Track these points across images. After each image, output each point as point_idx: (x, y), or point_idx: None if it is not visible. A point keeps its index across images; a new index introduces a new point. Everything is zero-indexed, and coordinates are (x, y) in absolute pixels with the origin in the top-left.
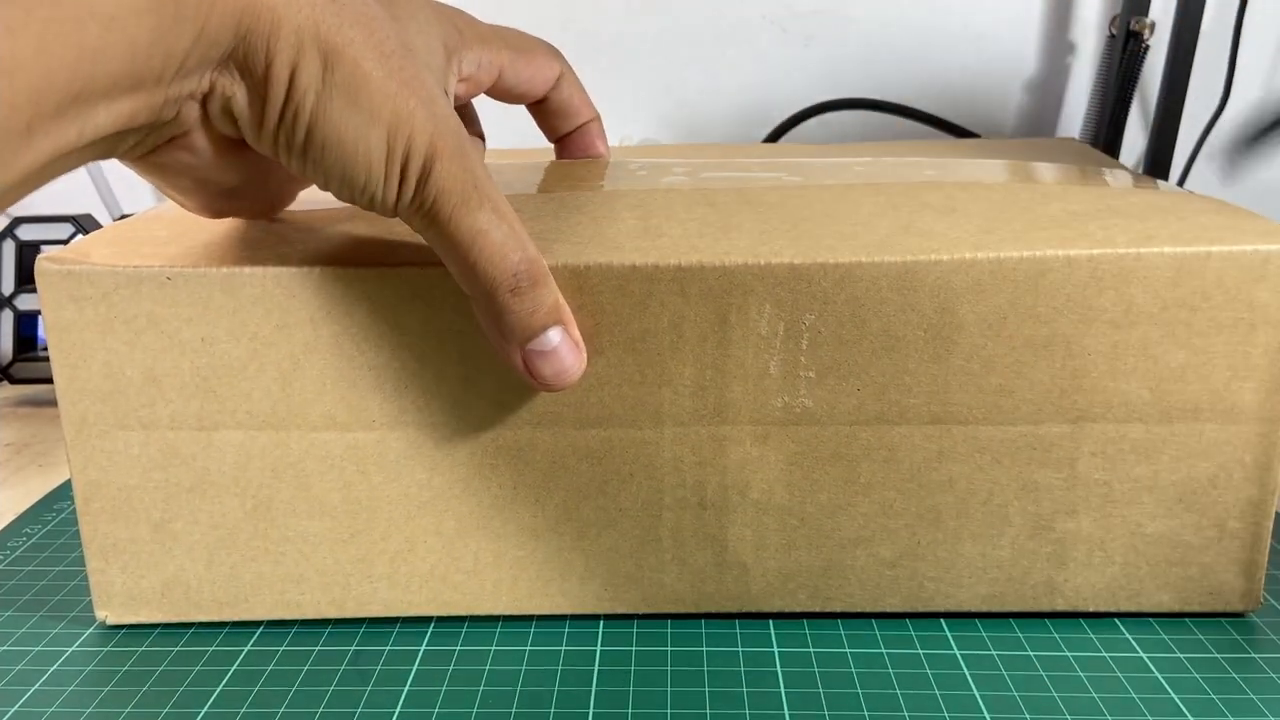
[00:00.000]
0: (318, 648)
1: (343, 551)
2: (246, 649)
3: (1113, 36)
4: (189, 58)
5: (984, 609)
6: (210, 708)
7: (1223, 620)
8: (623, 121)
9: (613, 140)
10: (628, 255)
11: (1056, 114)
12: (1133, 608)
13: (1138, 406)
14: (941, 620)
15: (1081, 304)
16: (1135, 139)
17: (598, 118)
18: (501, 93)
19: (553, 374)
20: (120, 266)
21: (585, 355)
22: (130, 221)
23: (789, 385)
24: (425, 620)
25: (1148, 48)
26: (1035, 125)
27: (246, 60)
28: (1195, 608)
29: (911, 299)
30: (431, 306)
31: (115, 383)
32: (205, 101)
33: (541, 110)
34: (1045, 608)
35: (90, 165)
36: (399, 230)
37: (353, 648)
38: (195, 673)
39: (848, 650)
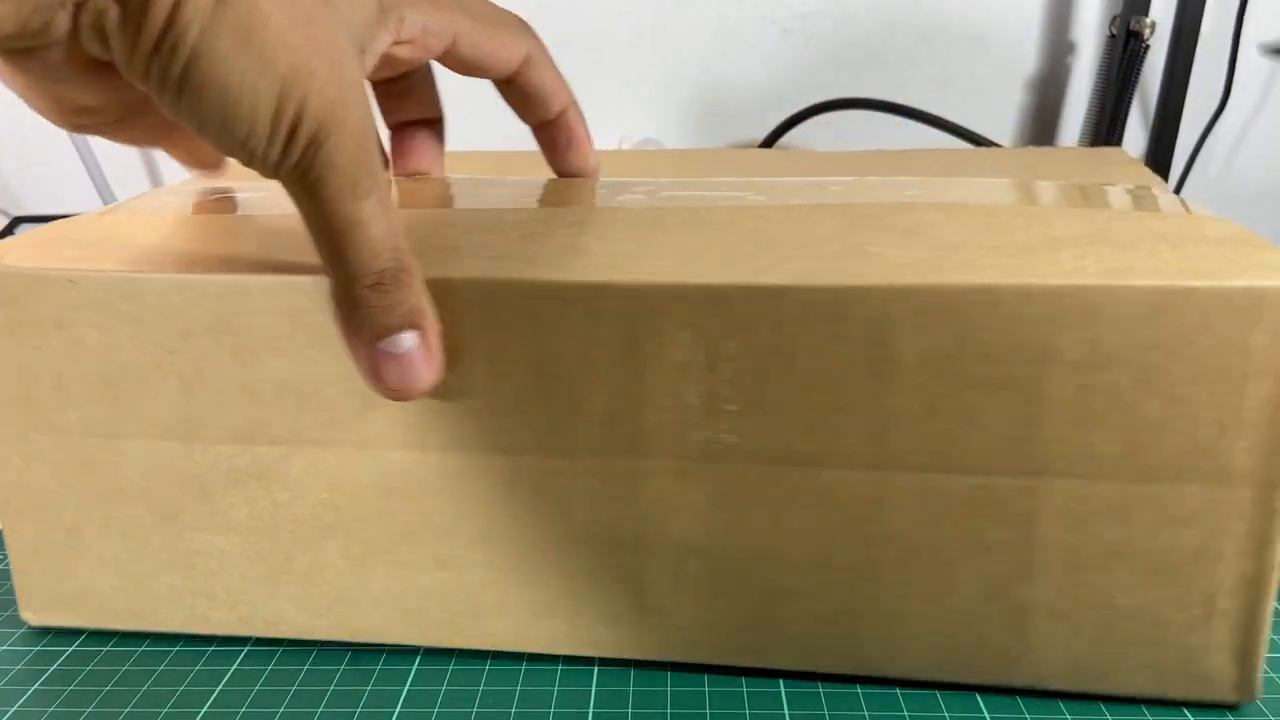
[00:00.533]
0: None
1: (249, 569)
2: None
3: (1113, 36)
4: None
5: (935, 677)
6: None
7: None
8: (622, 121)
9: (612, 140)
10: (540, 272)
11: (1056, 114)
12: (1103, 689)
13: (1107, 462)
14: (897, 690)
15: (1039, 343)
16: (1135, 139)
17: (574, 104)
18: (456, 64)
19: (399, 380)
20: (27, 269)
21: (440, 367)
22: (71, 221)
23: (710, 419)
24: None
25: (1148, 48)
26: (1035, 125)
27: None
28: (1178, 695)
29: (843, 329)
30: (331, 319)
31: (27, 386)
32: (76, 13)
33: (510, 92)
34: (1003, 681)
35: (89, 163)
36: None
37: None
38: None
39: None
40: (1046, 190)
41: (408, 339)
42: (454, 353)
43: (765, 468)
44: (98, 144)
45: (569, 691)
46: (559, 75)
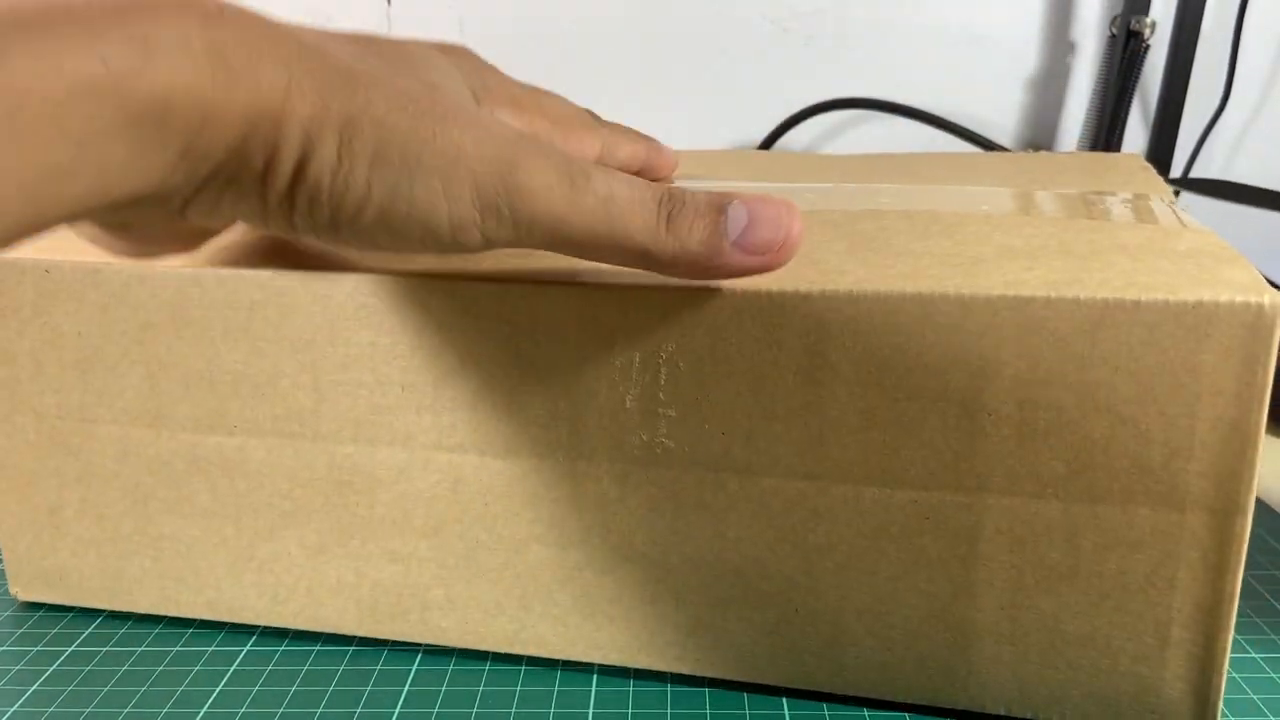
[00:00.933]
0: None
1: (214, 555)
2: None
3: (1113, 36)
4: (174, 173)
5: (881, 695)
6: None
7: None
8: (621, 121)
9: None
10: (477, 272)
11: (1057, 114)
12: (1053, 717)
13: (1051, 481)
14: (824, 705)
15: (978, 355)
16: (1135, 139)
17: (653, 149)
18: None
19: (776, 230)
20: (6, 258)
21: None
22: None
23: (648, 422)
24: (282, 635)
25: (1148, 48)
26: (1035, 125)
27: (240, 168)
28: None
29: (778, 336)
30: (283, 312)
31: (10, 369)
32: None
33: None
34: (948, 703)
35: None
36: (264, 234)
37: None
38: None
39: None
40: (1043, 199)
41: (736, 210)
42: (414, 350)
43: (703, 474)
44: None
45: (569, 692)
46: (632, 141)
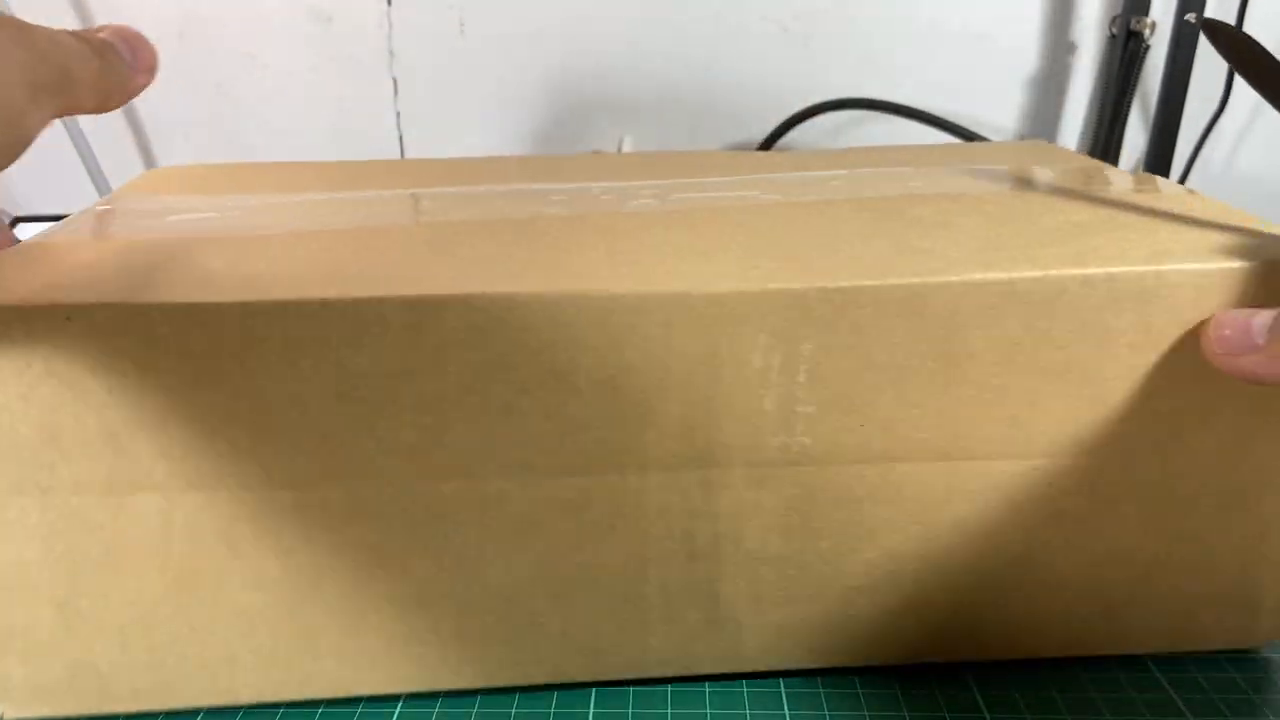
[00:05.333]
0: None
1: (284, 626)
2: None
3: (1113, 36)
4: None
5: (1016, 655)
6: None
7: None
8: (621, 122)
9: (607, 144)
10: (604, 283)
11: (1057, 114)
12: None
13: None
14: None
15: (1100, 326)
16: (1135, 139)
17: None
18: None
19: None
20: (8, 304)
21: None
22: (42, 241)
23: (786, 423)
24: (391, 699)
25: (1148, 48)
26: (1035, 125)
27: None
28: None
29: (918, 325)
30: (365, 349)
31: (7, 441)
32: None
33: None
34: (1098, 651)
35: (89, 163)
36: (334, 259)
37: None
38: None
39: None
40: (1041, 176)
41: None
42: (525, 372)
43: (841, 468)
44: (97, 144)
45: (564, 714)
46: None
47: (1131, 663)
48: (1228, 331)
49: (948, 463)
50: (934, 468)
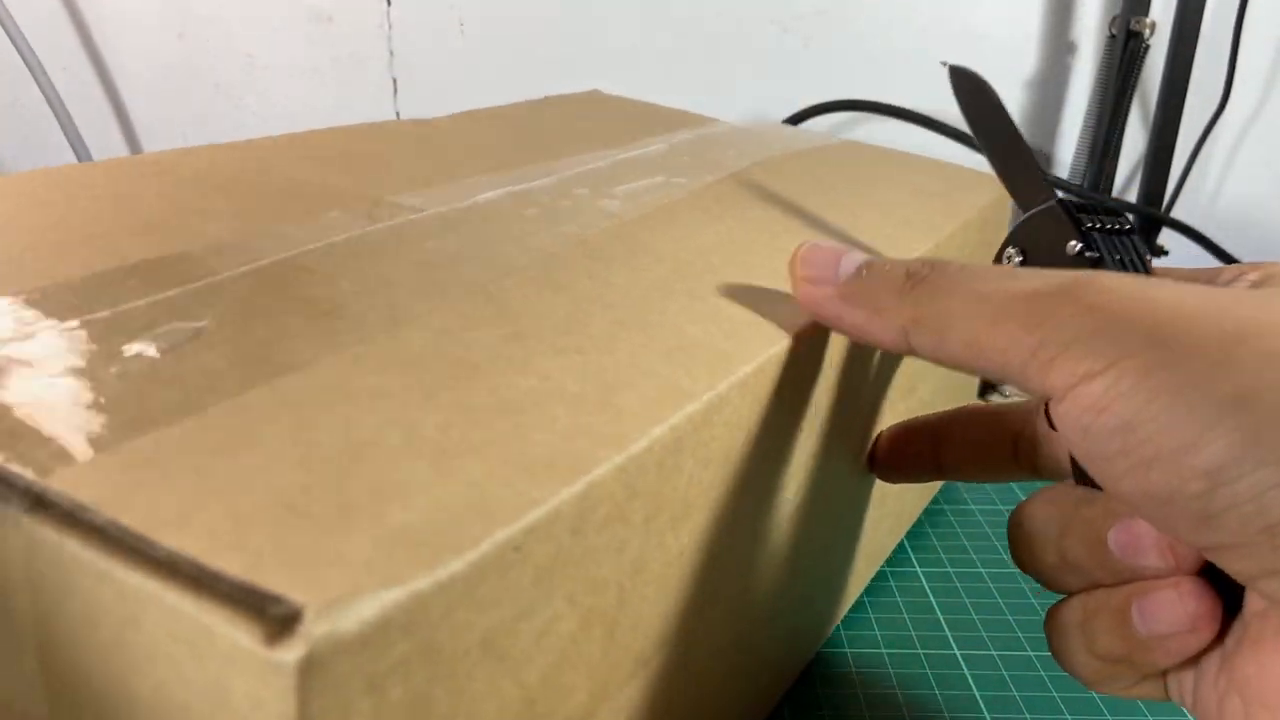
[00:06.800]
0: None
1: None
2: None
3: (1113, 36)
4: None
5: None
6: None
7: None
8: None
9: None
10: None
11: (1057, 114)
12: None
13: None
14: None
15: None
16: (1135, 139)
17: None
18: None
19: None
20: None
21: None
22: None
23: None
24: None
25: (1148, 48)
26: (1035, 125)
27: None
28: None
29: None
30: None
31: None
32: None
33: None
34: None
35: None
36: None
37: None
38: None
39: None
40: None
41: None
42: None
43: None
44: (95, 144)
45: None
46: None
47: None
48: (815, 255)
49: None
50: None
